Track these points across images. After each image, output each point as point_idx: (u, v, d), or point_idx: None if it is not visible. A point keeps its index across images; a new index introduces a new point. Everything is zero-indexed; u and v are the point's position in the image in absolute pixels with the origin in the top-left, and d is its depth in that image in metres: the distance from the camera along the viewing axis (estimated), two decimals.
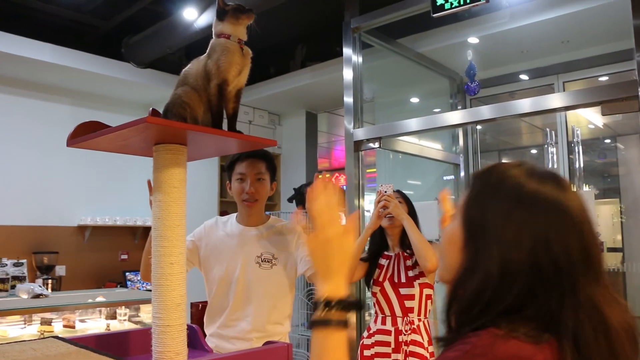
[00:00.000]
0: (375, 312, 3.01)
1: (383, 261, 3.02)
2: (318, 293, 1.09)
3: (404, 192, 3.12)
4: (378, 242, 3.07)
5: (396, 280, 2.92)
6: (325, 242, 1.13)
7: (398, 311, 2.89)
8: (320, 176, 1.21)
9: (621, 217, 5.29)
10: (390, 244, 3.04)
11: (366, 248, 3.09)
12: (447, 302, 1.04)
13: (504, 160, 6.73)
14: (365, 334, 3.01)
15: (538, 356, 0.87)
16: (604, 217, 5.30)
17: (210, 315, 2.48)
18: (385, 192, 2.92)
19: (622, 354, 0.92)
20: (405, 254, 2.95)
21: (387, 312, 2.92)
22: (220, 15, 1.61)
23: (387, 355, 2.82)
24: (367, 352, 2.92)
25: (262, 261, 2.39)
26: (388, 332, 2.88)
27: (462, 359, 0.88)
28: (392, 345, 2.83)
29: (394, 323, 2.88)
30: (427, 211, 3.85)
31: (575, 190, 1.02)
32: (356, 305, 1.09)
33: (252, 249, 2.41)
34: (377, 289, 2.97)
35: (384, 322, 2.92)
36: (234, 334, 2.37)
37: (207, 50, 1.62)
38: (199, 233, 2.51)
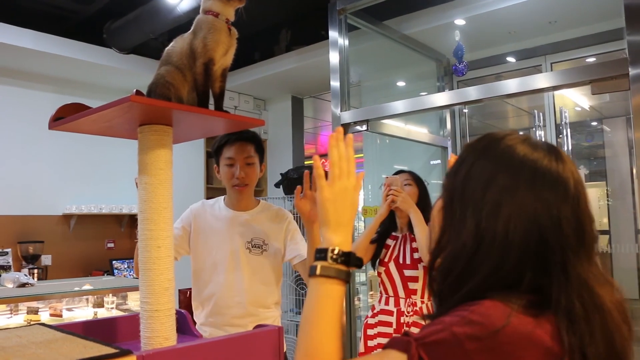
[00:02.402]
0: (380, 292, 3.02)
1: (390, 242, 3.03)
2: (325, 243, 1.06)
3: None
4: (387, 222, 3.06)
5: (401, 262, 2.93)
6: (341, 191, 1.09)
7: (401, 292, 2.89)
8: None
9: (608, 200, 5.32)
10: (399, 224, 3.05)
11: None
12: (428, 275, 1.01)
13: None
14: (369, 313, 3.03)
15: (537, 330, 0.85)
16: (591, 200, 5.32)
17: (198, 302, 2.42)
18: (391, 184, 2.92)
19: (617, 333, 0.89)
20: (412, 236, 2.94)
21: (391, 292, 2.93)
22: None
23: (389, 335, 2.82)
24: (370, 332, 2.93)
25: (252, 246, 2.36)
26: (390, 313, 2.89)
27: (458, 324, 0.85)
28: (394, 326, 2.84)
29: (397, 304, 2.89)
30: None
31: (571, 163, 0.97)
32: (359, 263, 1.06)
33: (242, 234, 2.38)
34: (382, 269, 2.98)
35: (387, 303, 2.94)
36: (226, 320, 2.33)
37: (193, 27, 1.58)
38: (187, 218, 2.45)
